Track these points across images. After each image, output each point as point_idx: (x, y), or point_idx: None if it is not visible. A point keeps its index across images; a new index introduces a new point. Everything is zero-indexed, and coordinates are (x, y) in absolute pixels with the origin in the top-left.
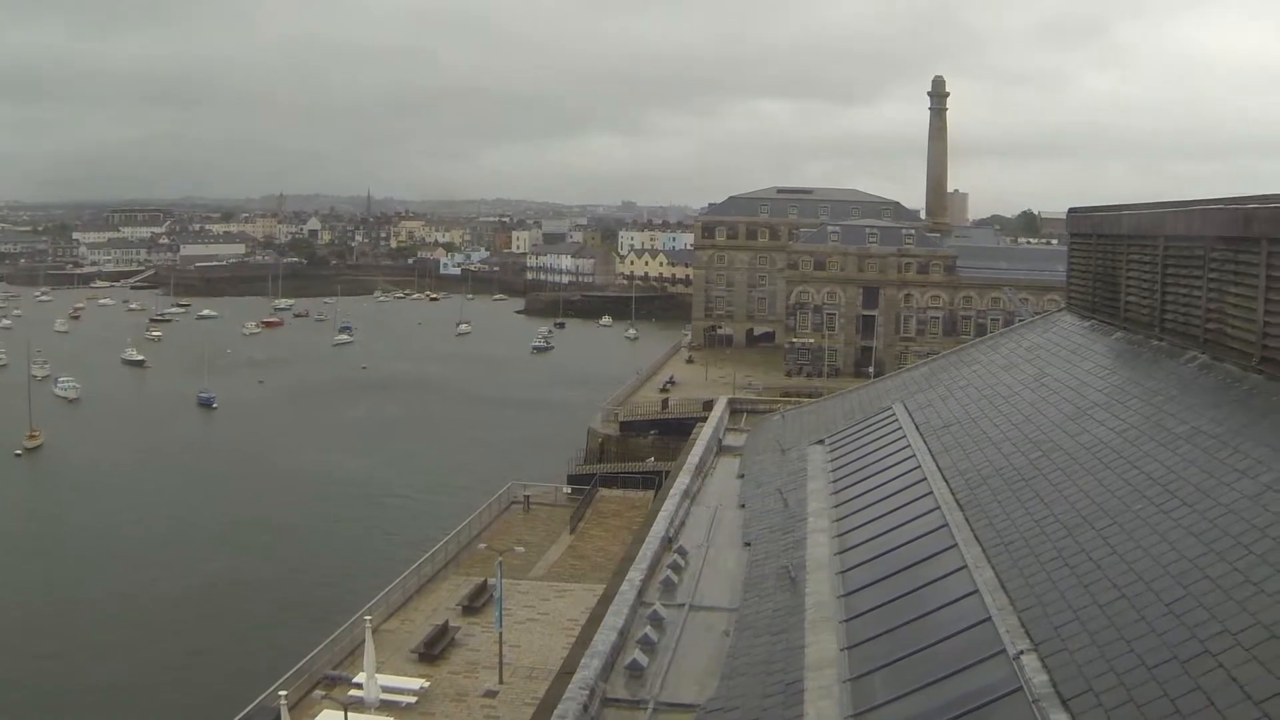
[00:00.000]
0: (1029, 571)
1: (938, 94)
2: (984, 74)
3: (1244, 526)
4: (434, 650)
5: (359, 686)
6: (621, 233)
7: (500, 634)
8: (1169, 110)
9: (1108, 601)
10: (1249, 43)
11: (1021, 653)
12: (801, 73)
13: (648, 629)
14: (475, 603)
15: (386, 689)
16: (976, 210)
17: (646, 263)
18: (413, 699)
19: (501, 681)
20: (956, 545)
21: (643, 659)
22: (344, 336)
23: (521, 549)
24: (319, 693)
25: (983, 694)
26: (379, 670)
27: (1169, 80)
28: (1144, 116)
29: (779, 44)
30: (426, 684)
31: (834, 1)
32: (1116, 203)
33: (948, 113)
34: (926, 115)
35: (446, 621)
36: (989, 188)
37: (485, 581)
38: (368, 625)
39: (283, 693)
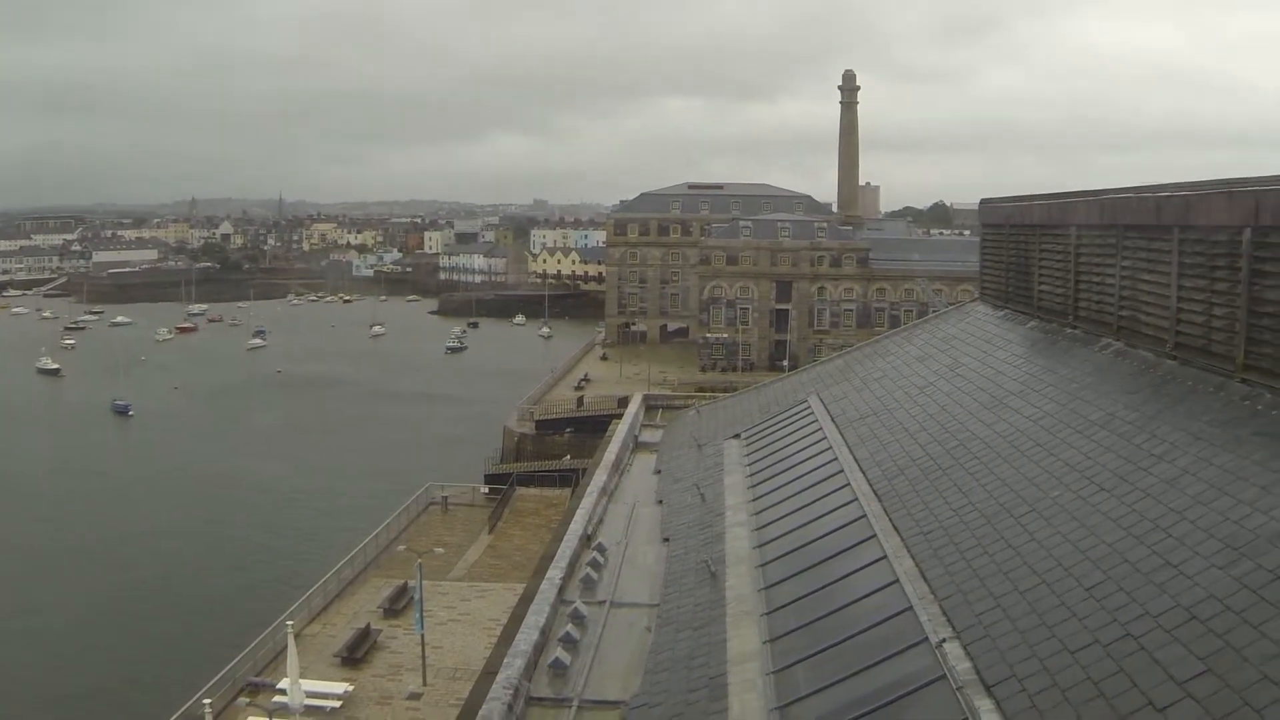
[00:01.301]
0: (949, 560)
1: (848, 88)
2: (887, 70)
3: (1161, 510)
4: (356, 654)
5: (283, 692)
6: (534, 231)
7: (422, 636)
8: (1072, 104)
9: (1029, 588)
10: (1144, 39)
11: (944, 641)
12: (704, 71)
13: (569, 627)
14: (396, 605)
15: (310, 694)
16: (888, 203)
17: (559, 261)
18: (337, 703)
19: (425, 683)
20: (875, 536)
21: (565, 657)
22: (258, 341)
23: (441, 550)
24: (243, 700)
25: (906, 682)
26: (302, 675)
27: (1070, 75)
28: (1048, 110)
29: (679, 44)
30: (350, 688)
31: (730, 2)
32: (1026, 193)
33: (858, 106)
34: (833, 110)
35: (368, 625)
36: (900, 181)
37: (406, 583)
38: (289, 631)
39: (207, 701)
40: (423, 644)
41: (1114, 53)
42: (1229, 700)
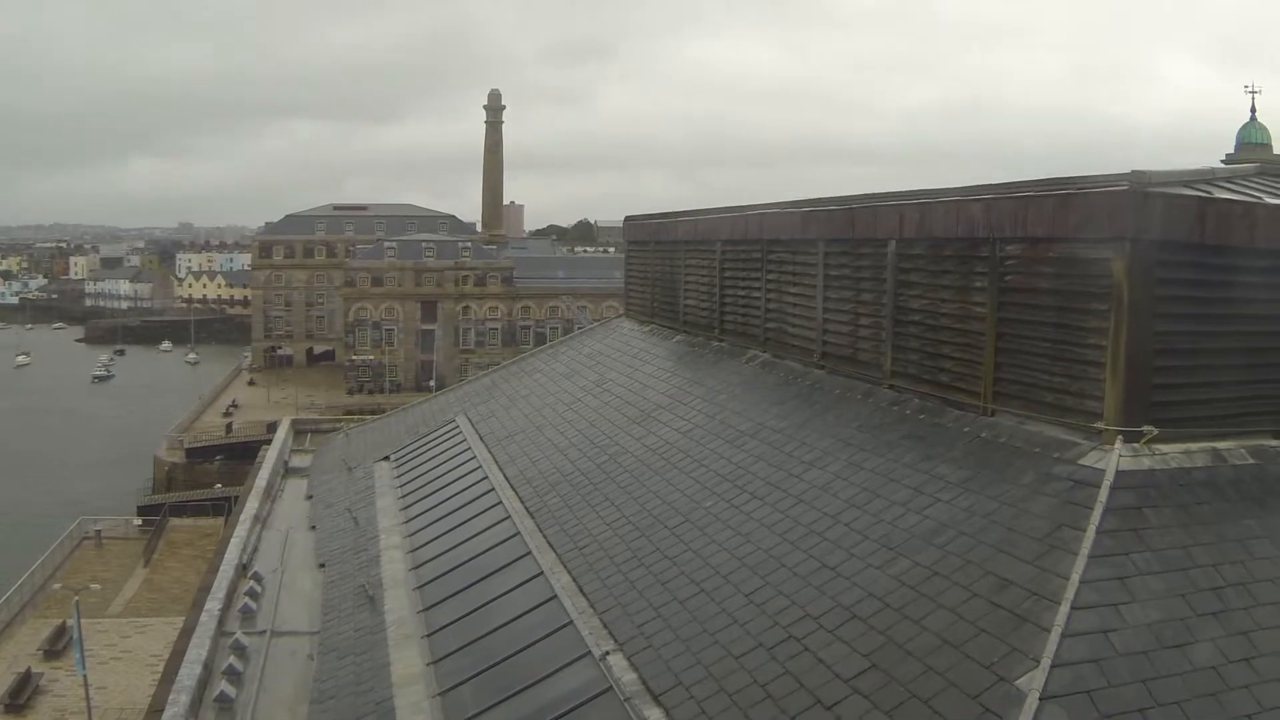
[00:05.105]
0: (605, 574)
1: (493, 107)
2: (510, 93)
3: (816, 515)
4: (19, 700)
5: None
6: (179, 255)
7: (84, 676)
8: (690, 121)
9: (688, 597)
10: (751, 60)
11: (607, 653)
12: (332, 94)
13: (232, 659)
14: (56, 646)
15: None
16: (533, 221)
17: (205, 285)
18: None
19: None
20: (531, 553)
21: (230, 690)
22: None
23: (97, 586)
24: None
25: (574, 696)
26: None
27: (684, 94)
28: (670, 128)
29: (304, 66)
30: None
31: (349, 26)
32: (664, 209)
33: (504, 126)
34: (472, 130)
35: (29, 668)
36: (544, 199)
37: (64, 623)
38: None
39: None
40: (86, 685)
41: (726, 72)
42: (896, 693)
